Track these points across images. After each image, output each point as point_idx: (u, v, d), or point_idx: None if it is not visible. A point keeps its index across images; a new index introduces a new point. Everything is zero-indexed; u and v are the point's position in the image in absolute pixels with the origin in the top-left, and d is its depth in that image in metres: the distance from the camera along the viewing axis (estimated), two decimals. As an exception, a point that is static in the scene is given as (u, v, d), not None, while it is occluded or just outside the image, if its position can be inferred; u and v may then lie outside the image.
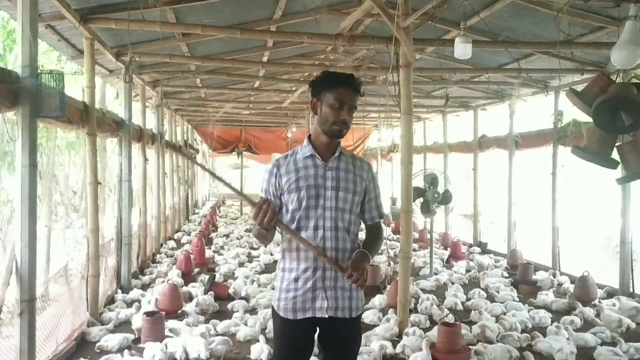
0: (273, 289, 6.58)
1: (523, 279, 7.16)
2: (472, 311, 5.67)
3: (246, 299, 6.23)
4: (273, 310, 2.40)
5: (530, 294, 6.65)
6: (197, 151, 18.22)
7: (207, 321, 5.32)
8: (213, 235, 11.66)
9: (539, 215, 11.14)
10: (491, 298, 6.39)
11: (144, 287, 6.86)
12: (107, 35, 5.92)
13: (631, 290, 6.61)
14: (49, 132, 9.64)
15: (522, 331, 5.11)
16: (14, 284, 3.52)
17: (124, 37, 5.78)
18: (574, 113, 6.11)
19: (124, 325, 5.25)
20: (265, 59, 8.06)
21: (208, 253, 9.09)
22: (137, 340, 4.74)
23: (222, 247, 10.19)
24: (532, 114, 10.56)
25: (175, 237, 11.33)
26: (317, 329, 2.38)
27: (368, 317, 5.45)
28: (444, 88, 8.97)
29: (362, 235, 2.42)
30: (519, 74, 7.44)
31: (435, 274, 7.68)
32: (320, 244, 2.26)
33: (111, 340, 4.60)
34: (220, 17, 6.10)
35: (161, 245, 9.87)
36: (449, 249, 9.55)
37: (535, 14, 5.53)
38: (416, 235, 10.34)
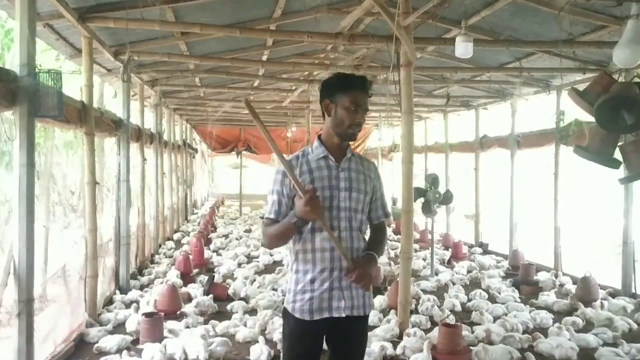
0: (274, 289, 6.55)
1: (524, 279, 7.13)
2: (473, 312, 5.65)
3: (245, 299, 6.20)
4: (286, 312, 2.39)
5: (531, 294, 6.63)
6: (196, 151, 18.19)
7: (206, 322, 5.29)
8: (212, 235, 11.64)
9: (541, 215, 11.11)
10: (492, 299, 6.36)
11: (143, 287, 6.83)
12: (105, 34, 5.89)
13: (633, 290, 6.59)
14: (46, 132, 9.60)
15: (524, 332, 5.08)
16: (11, 284, 3.49)
17: (123, 36, 5.76)
18: (576, 112, 6.10)
19: (122, 326, 5.21)
20: (264, 58, 8.04)
21: (207, 253, 9.06)
22: (136, 342, 4.71)
23: (222, 248, 10.15)
24: (533, 113, 10.53)
25: (175, 237, 11.30)
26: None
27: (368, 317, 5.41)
28: (445, 87, 8.95)
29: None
30: (521, 73, 7.42)
31: (436, 274, 7.65)
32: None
33: (110, 341, 4.58)
34: (219, 15, 6.07)
35: (160, 246, 9.84)
36: (450, 249, 9.52)
37: (537, 13, 5.49)
38: (417, 235, 10.31)
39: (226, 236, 11.73)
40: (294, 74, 9.63)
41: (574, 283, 6.86)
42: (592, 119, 4.45)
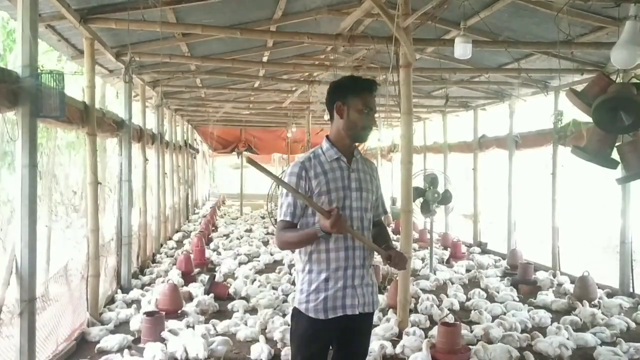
0: (274, 288, 6.58)
1: (523, 279, 7.15)
2: (472, 311, 5.68)
3: (246, 299, 6.23)
4: (298, 312, 2.40)
5: (530, 294, 6.65)
6: (197, 151, 18.22)
7: (207, 321, 5.32)
8: (213, 235, 11.67)
9: (539, 215, 11.14)
10: (491, 298, 6.39)
11: (144, 287, 6.85)
12: (107, 35, 5.92)
13: (631, 290, 6.62)
14: (49, 132, 9.63)
15: (522, 331, 5.11)
16: (14, 283, 3.52)
17: (124, 37, 5.78)
18: (574, 113, 6.10)
19: (124, 325, 5.25)
20: (265, 59, 8.07)
21: (208, 253, 9.10)
22: (137, 341, 4.74)
23: (227, 249, 10.17)
24: (532, 114, 10.56)
25: (176, 237, 11.33)
26: None
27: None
28: (444, 88, 8.97)
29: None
30: (519, 74, 7.45)
31: (434, 273, 7.68)
32: (350, 242, 2.36)
33: (111, 341, 4.60)
34: (220, 17, 6.10)
35: (161, 245, 9.87)
36: (449, 249, 9.55)
37: (535, 14, 5.53)
38: (416, 235, 10.34)
39: (227, 236, 11.76)
40: (294, 75, 9.67)
41: (572, 282, 6.88)
42: (590, 119, 4.46)
